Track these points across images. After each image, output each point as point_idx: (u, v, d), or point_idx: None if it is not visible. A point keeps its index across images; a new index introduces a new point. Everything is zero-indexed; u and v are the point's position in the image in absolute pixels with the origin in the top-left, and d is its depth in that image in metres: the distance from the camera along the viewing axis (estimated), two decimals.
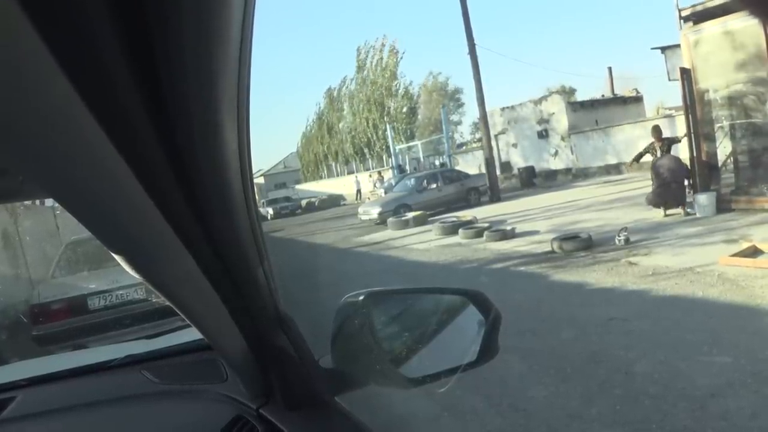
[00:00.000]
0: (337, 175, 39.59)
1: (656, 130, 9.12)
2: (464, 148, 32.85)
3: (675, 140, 9.29)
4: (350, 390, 0.89)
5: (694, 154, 8.75)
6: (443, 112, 25.90)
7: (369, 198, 24.06)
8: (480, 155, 21.39)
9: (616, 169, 18.97)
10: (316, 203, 30.94)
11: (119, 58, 0.34)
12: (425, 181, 17.34)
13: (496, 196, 17.17)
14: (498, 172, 19.72)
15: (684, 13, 8.72)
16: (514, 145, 23.42)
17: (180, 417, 0.99)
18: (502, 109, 23.74)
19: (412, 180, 18.00)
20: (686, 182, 8.82)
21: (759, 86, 8.04)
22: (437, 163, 26.14)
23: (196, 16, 0.34)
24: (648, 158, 9.33)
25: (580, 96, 30.09)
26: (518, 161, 22.88)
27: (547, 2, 68.97)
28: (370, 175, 29.55)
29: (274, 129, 75.56)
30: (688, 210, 8.59)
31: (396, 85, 33.99)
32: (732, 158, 8.82)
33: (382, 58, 34.37)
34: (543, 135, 22.10)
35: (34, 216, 9.59)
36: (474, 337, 0.88)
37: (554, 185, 19.22)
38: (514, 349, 3.99)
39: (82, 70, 0.31)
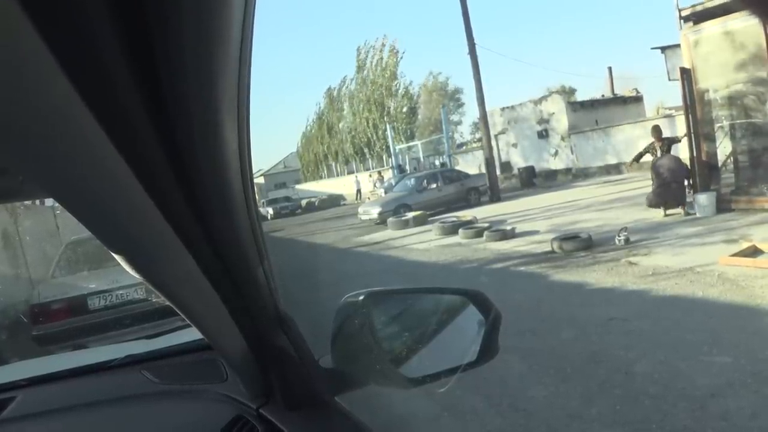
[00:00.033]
0: (337, 175, 39.59)
1: (656, 130, 9.12)
2: (464, 148, 32.85)
3: (675, 140, 9.29)
4: (350, 390, 0.89)
5: (694, 154, 8.75)
6: (443, 112, 25.91)
7: (369, 198, 24.06)
8: (480, 155, 21.39)
9: (616, 169, 18.97)
10: (316, 203, 30.94)
11: (119, 58, 0.34)
12: (425, 181, 17.34)
13: (496, 196, 17.18)
14: (498, 172, 19.72)
15: (684, 13, 8.72)
16: (514, 145, 23.42)
17: (180, 417, 0.99)
18: (502, 109, 23.74)
19: (412, 180, 18.00)
20: (686, 182, 8.82)
21: (759, 86, 8.04)
22: (437, 163, 26.14)
23: (196, 16, 0.34)
24: (648, 158, 9.33)
25: (580, 96, 30.14)
26: (518, 161, 22.88)
27: (547, 2, 69.01)
28: (370, 175, 29.55)
29: (274, 129, 75.62)
30: (688, 210, 8.59)
31: (396, 85, 34.01)
32: (732, 158, 8.82)
33: (382, 58, 34.38)
34: (543, 135, 22.10)
35: (34, 216, 9.59)
36: (474, 337, 0.88)
37: (554, 185, 19.22)
38: (514, 349, 3.99)
39: (82, 70, 0.31)
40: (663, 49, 13.14)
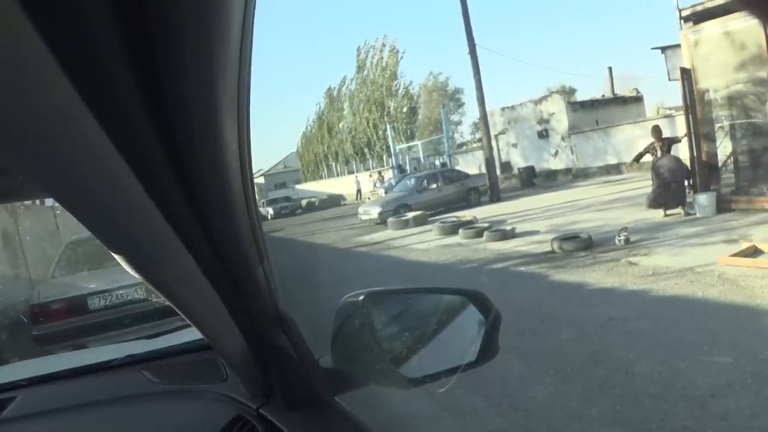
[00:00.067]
0: (337, 175, 39.59)
1: (656, 130, 9.12)
2: (464, 148, 32.85)
3: (675, 140, 9.29)
4: (350, 390, 0.89)
5: (694, 154, 8.75)
6: (443, 112, 25.90)
7: (369, 198, 24.06)
8: (480, 155, 21.39)
9: (616, 169, 18.97)
10: (316, 203, 30.94)
11: (119, 58, 0.34)
12: (425, 181, 17.34)
13: (496, 196, 17.18)
14: (498, 172, 19.72)
15: (684, 13, 8.72)
16: (514, 145, 23.42)
17: (180, 417, 0.99)
18: (502, 109, 23.74)
19: (412, 180, 18.00)
20: (686, 182, 8.82)
21: (759, 86, 8.04)
22: (437, 163, 26.14)
23: (196, 16, 0.34)
24: (648, 158, 9.33)
25: (580, 96, 30.13)
26: (518, 161, 22.88)
27: (547, 2, 69.01)
28: (370, 175, 29.55)
29: (274, 129, 75.59)
30: (689, 210, 8.59)
31: (396, 85, 34.02)
32: (732, 158, 8.82)
33: (382, 58, 34.39)
34: (543, 135, 22.10)
35: (34, 216, 9.59)
36: (474, 337, 0.88)
37: (554, 185, 19.22)
38: (514, 349, 3.99)
39: (82, 70, 0.31)
40: (663, 49, 13.14)
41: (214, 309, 0.69)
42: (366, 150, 35.44)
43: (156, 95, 0.38)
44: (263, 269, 0.72)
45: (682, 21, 8.78)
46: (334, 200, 31.39)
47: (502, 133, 23.58)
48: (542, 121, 22.09)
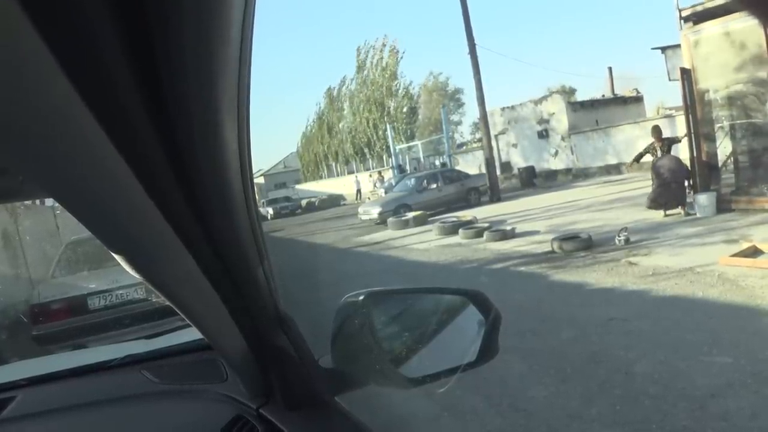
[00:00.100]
0: (337, 175, 39.59)
1: (656, 131, 9.12)
2: (464, 148, 32.85)
3: (675, 140, 9.29)
4: (350, 390, 0.89)
5: (694, 154, 8.75)
6: (443, 112, 25.90)
7: (369, 198, 24.06)
8: (480, 155, 21.39)
9: (616, 169, 18.97)
10: (316, 203, 30.94)
11: (119, 58, 0.34)
12: (425, 181, 17.34)
13: (496, 196, 17.18)
14: (498, 172, 19.72)
15: (684, 14, 8.72)
16: (514, 145, 23.42)
17: (180, 417, 0.99)
18: (502, 109, 23.74)
19: (412, 180, 18.00)
20: (686, 182, 8.82)
21: (759, 86, 8.04)
22: (437, 163, 26.13)
23: (196, 16, 0.34)
24: (648, 158, 9.33)
25: (581, 96, 30.12)
26: (518, 161, 22.88)
27: (547, 2, 69.00)
28: (370, 175, 29.55)
29: (274, 129, 75.59)
30: (689, 210, 8.59)
31: (396, 85, 34.02)
32: (732, 158, 8.83)
33: (382, 58, 34.39)
34: (543, 135, 22.10)
35: (34, 216, 9.59)
36: (474, 337, 0.88)
37: (554, 185, 19.22)
38: (514, 349, 3.99)
39: (82, 70, 0.31)
40: (663, 49, 13.14)
41: (214, 309, 0.69)
42: (366, 150, 35.44)
43: (156, 95, 0.38)
44: (263, 269, 0.72)
45: (682, 21, 8.78)
46: (334, 200, 31.39)
47: (502, 133, 23.58)
48: (542, 121, 22.09)
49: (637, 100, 23.84)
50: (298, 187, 41.57)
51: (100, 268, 5.26)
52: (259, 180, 44.86)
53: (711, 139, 8.78)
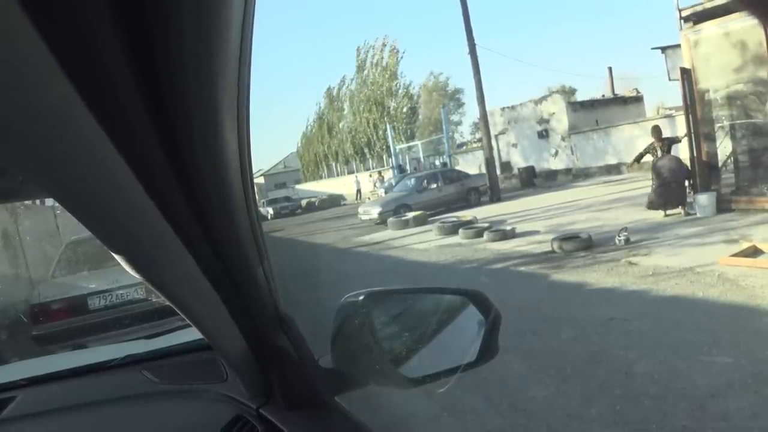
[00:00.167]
0: (337, 175, 39.60)
1: (656, 131, 9.12)
2: (464, 148, 32.85)
3: (675, 140, 9.30)
4: (350, 390, 0.89)
5: (695, 154, 8.75)
6: (443, 112, 25.90)
7: (369, 198, 24.06)
8: (480, 155, 21.39)
9: (616, 169, 18.97)
10: (316, 203, 30.94)
11: (119, 58, 0.34)
12: (425, 181, 17.34)
13: (496, 196, 17.18)
14: (498, 172, 19.71)
15: (684, 14, 8.72)
16: (514, 145, 23.42)
17: (180, 417, 0.99)
18: (503, 109, 23.74)
19: (413, 180, 18.00)
20: (686, 182, 8.82)
21: (759, 86, 8.04)
22: (437, 163, 26.13)
23: (196, 16, 0.34)
24: (649, 158, 9.33)
25: (581, 96, 30.13)
26: (518, 161, 22.88)
27: (547, 2, 69.00)
28: (370, 175, 29.56)
29: (274, 129, 75.60)
30: (689, 210, 8.59)
31: (396, 85, 34.02)
32: (732, 158, 8.83)
33: (382, 58, 34.40)
34: (543, 135, 22.10)
35: (34, 216, 9.59)
36: (474, 337, 0.88)
37: (554, 185, 19.22)
38: (514, 349, 3.99)
39: (82, 70, 0.31)
40: (663, 49, 13.14)
41: (214, 309, 0.69)
42: (366, 150, 35.44)
43: (156, 95, 0.38)
44: (263, 269, 0.72)
45: (682, 21, 8.78)
46: (334, 200, 31.39)
47: (502, 133, 23.58)
48: (542, 121, 22.09)
49: (637, 100, 23.84)
50: (298, 187, 41.58)
51: (100, 268, 5.26)
52: (259, 180, 44.86)
53: (711, 139, 8.78)
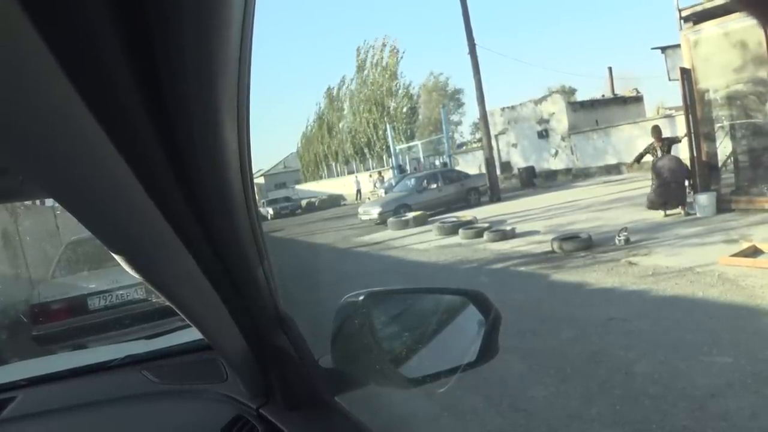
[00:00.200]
0: (337, 175, 39.59)
1: (656, 131, 9.12)
2: (464, 148, 32.86)
3: (675, 140, 9.30)
4: (350, 390, 0.89)
5: (694, 154, 8.75)
6: (443, 112, 25.90)
7: (369, 198, 24.06)
8: (480, 155, 21.39)
9: (616, 169, 18.97)
10: (316, 203, 30.94)
11: (119, 58, 0.34)
12: (425, 181, 17.34)
13: (496, 196, 17.18)
14: (498, 172, 19.71)
15: (684, 14, 8.72)
16: (514, 145, 23.42)
17: (180, 417, 0.99)
18: (502, 109, 23.74)
19: (412, 180, 18.00)
20: (686, 182, 8.82)
21: (759, 86, 8.04)
22: (437, 163, 26.13)
23: (196, 16, 0.34)
24: (649, 158, 9.33)
25: (580, 96, 30.14)
26: (518, 161, 22.88)
27: (547, 2, 69.01)
28: (370, 175, 29.56)
29: (274, 129, 75.64)
30: (689, 210, 8.59)
31: (396, 85, 34.02)
32: (732, 158, 8.83)
33: (382, 58, 34.39)
34: (543, 135, 22.10)
35: (34, 216, 9.59)
36: (474, 337, 0.88)
37: (554, 185, 19.22)
38: (514, 349, 3.99)
39: (82, 70, 0.31)
40: (663, 49, 13.14)
41: (214, 309, 0.69)
42: (366, 150, 35.44)
43: (156, 95, 0.38)
44: (263, 269, 0.72)
45: (682, 21, 8.78)
46: (334, 200, 31.39)
47: (502, 133, 23.58)
48: (542, 121, 22.09)
49: (637, 100, 23.84)
50: (298, 187, 41.57)
51: (100, 268, 5.26)
52: (259, 180, 44.87)
53: (711, 139, 8.78)
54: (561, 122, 21.46)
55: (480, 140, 23.08)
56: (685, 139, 8.89)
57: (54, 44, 0.28)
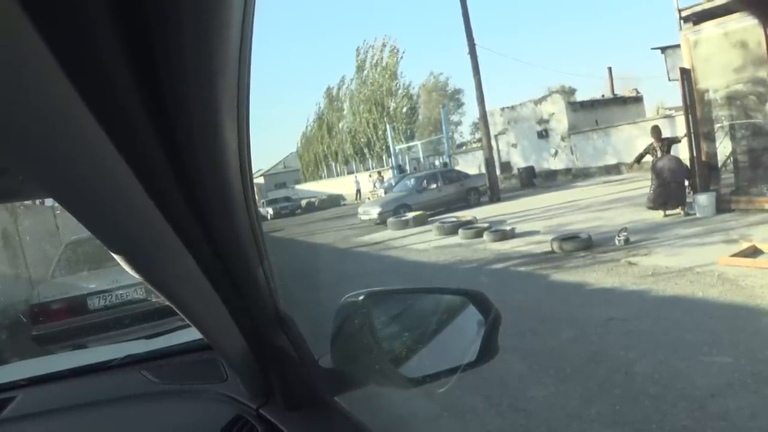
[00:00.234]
0: (337, 175, 39.59)
1: (656, 131, 9.12)
2: (464, 148, 32.87)
3: (675, 140, 9.29)
4: (350, 390, 0.89)
5: (694, 155, 8.75)
6: (443, 112, 25.91)
7: (369, 198, 24.07)
8: (480, 155, 21.39)
9: (615, 169, 18.97)
10: (316, 203, 30.94)
11: (119, 58, 0.34)
12: (425, 181, 17.34)
13: (496, 196, 17.18)
14: (498, 172, 19.72)
15: (684, 14, 8.72)
16: (514, 145, 23.42)
17: (180, 417, 0.99)
18: (502, 109, 23.74)
19: (412, 180, 18.00)
20: (686, 182, 8.82)
21: (759, 86, 8.04)
22: (437, 163, 26.13)
23: (195, 16, 0.34)
24: (649, 158, 9.33)
25: (580, 96, 30.13)
26: (518, 161, 22.88)
27: (547, 2, 69.03)
28: (370, 175, 29.56)
29: (274, 129, 75.64)
30: (688, 210, 8.59)
31: (396, 85, 34.03)
32: (732, 158, 8.83)
33: (382, 58, 34.40)
34: (543, 135, 22.10)
35: (34, 216, 9.58)
36: (474, 337, 0.88)
37: (554, 185, 19.22)
38: (514, 349, 3.99)
39: (82, 70, 0.31)
40: (663, 49, 13.16)
41: (214, 309, 0.69)
42: (366, 150, 35.43)
43: (156, 95, 0.38)
44: (263, 269, 0.72)
45: (682, 21, 8.78)
46: (334, 200, 31.39)
47: (502, 133, 23.58)
48: (542, 121, 22.09)
49: (637, 100, 23.84)
50: (297, 187, 41.57)
51: (100, 268, 5.26)
52: (259, 180, 44.86)
53: (711, 139, 8.78)
54: (561, 122, 21.46)
55: (480, 140, 23.08)
56: (685, 139, 8.89)
57: (54, 44, 0.28)
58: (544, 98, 22.71)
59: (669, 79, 12.53)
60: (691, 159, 8.78)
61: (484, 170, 18.57)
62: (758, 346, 3.51)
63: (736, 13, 6.60)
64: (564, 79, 39.96)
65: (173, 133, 0.42)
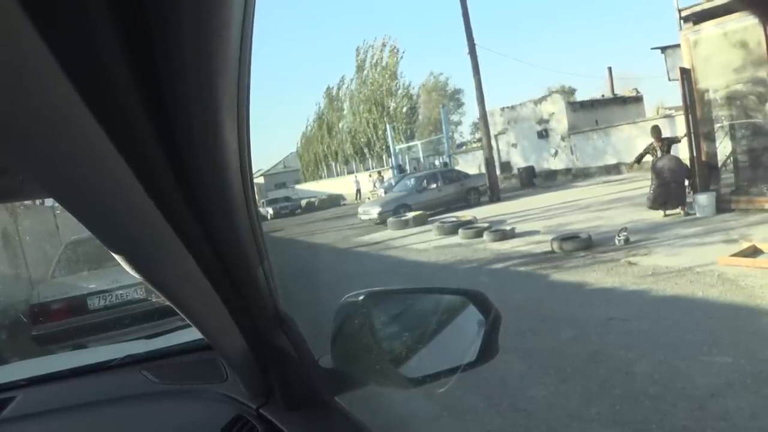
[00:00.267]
0: (337, 175, 39.59)
1: (655, 131, 9.12)
2: (464, 148, 32.87)
3: (675, 140, 9.29)
4: (350, 390, 0.89)
5: (694, 154, 8.75)
6: (443, 112, 25.91)
7: (369, 198, 24.06)
8: (480, 155, 21.39)
9: (615, 169, 18.97)
10: (316, 203, 30.94)
11: (119, 58, 0.34)
12: (425, 181, 17.34)
13: (495, 196, 17.18)
14: (498, 172, 19.72)
15: (684, 14, 8.72)
16: (514, 145, 23.42)
17: (180, 417, 0.99)
18: (502, 109, 23.74)
19: (412, 180, 18.00)
20: (686, 182, 8.81)
21: (759, 86, 8.04)
22: (437, 163, 26.13)
23: (195, 16, 0.34)
24: (649, 158, 9.33)
25: (580, 96, 30.13)
26: (518, 161, 22.88)
27: (547, 2, 69.04)
28: (370, 175, 29.55)
29: (274, 129, 75.67)
30: (688, 210, 8.59)
31: (396, 85, 34.02)
32: (732, 158, 8.83)
33: (382, 58, 34.40)
34: (543, 135, 22.10)
35: (34, 216, 9.59)
36: (474, 337, 0.88)
37: (554, 185, 19.22)
38: (514, 349, 3.99)
39: (82, 70, 0.31)
40: (663, 49, 13.16)
41: (214, 309, 0.69)
42: (366, 150, 35.43)
43: (156, 95, 0.38)
44: (263, 269, 0.72)
45: (682, 21, 8.78)
46: (334, 200, 31.39)
47: (502, 133, 23.58)
48: (542, 121, 22.09)
49: (637, 100, 23.84)
50: (297, 187, 41.57)
51: (100, 268, 5.26)
52: (259, 180, 44.86)
53: (711, 139, 8.78)
54: (561, 122, 21.46)
55: (480, 140, 23.08)
56: (685, 139, 8.89)
57: (54, 44, 0.28)
58: (544, 98, 22.71)
59: (669, 79, 12.53)
60: (691, 159, 8.78)
61: (484, 170, 18.57)
62: (758, 346, 3.51)
63: (736, 13, 6.60)
64: (564, 79, 40.03)
65: (173, 133, 0.42)
